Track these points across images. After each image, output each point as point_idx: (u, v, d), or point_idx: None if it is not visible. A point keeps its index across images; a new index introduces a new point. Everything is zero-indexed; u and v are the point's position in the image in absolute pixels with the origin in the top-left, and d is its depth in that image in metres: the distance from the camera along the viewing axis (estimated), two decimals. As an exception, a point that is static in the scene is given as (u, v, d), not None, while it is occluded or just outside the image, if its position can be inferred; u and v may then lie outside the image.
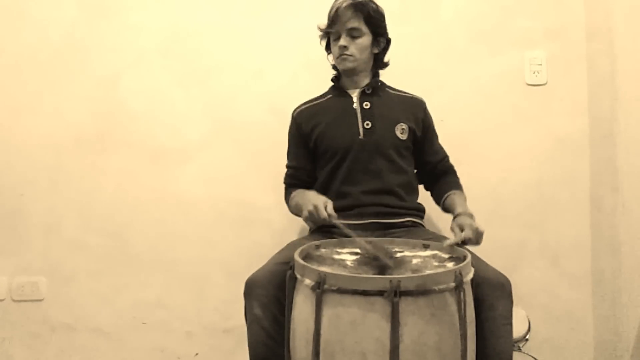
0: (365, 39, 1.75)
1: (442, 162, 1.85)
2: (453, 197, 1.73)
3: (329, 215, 1.49)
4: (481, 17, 2.17)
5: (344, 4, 1.71)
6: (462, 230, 1.48)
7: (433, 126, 1.86)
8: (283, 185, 1.87)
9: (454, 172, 1.86)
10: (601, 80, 2.10)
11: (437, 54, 2.17)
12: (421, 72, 2.10)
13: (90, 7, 2.18)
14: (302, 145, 1.82)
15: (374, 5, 1.76)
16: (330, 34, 1.78)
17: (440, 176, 1.84)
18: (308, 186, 1.79)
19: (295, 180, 1.83)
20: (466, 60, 2.17)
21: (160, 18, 2.18)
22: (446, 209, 1.74)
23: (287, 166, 1.86)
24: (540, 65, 2.15)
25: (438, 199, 1.80)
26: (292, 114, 1.86)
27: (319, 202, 1.51)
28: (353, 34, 1.73)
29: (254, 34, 2.18)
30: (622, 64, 2.04)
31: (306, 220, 1.55)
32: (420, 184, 1.87)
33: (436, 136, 1.87)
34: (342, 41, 1.73)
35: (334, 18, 1.73)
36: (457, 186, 1.80)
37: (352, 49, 1.74)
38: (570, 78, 2.15)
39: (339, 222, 1.48)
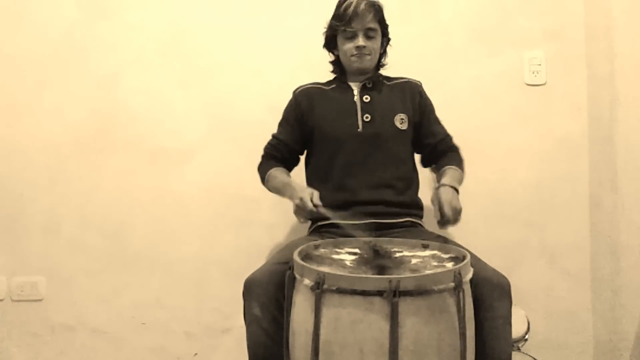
0: (379, 39, 1.78)
1: (442, 143, 1.81)
2: (443, 171, 1.71)
3: (315, 205, 1.50)
4: (480, 17, 2.17)
5: (364, 3, 1.70)
6: (439, 207, 1.51)
7: (431, 107, 1.85)
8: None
9: (455, 151, 1.82)
10: (600, 80, 2.10)
11: (436, 54, 2.17)
12: (420, 71, 2.09)
13: (89, 7, 2.18)
14: (295, 124, 1.83)
15: (380, 5, 1.78)
16: (340, 30, 1.76)
17: (440, 157, 1.81)
18: (286, 162, 1.83)
19: (277, 153, 1.83)
20: (465, 60, 2.17)
21: (159, 18, 2.18)
22: None
23: (273, 136, 1.86)
24: (540, 65, 2.15)
25: (437, 179, 1.79)
26: (294, 92, 1.87)
27: (304, 194, 1.52)
28: (369, 34, 1.74)
29: (253, 34, 2.18)
30: (621, 64, 2.04)
31: (296, 213, 1.56)
32: (425, 167, 1.88)
33: (435, 118, 1.85)
34: (361, 41, 1.73)
35: (353, 16, 1.71)
36: (453, 162, 1.76)
37: (370, 48, 1.75)
38: (570, 78, 2.15)
39: (324, 210, 1.50)
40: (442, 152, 1.81)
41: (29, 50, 2.17)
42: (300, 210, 1.52)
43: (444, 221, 1.51)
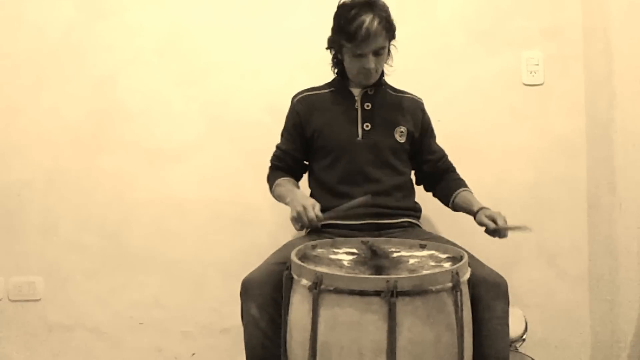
0: (386, 52, 1.71)
1: (442, 161, 1.84)
2: (465, 194, 1.74)
3: (317, 216, 1.48)
4: (478, 17, 2.17)
5: (375, 24, 1.60)
6: (494, 221, 1.55)
7: (431, 125, 1.86)
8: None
9: (455, 170, 1.85)
10: (598, 80, 2.11)
11: (434, 54, 2.17)
12: (418, 72, 2.10)
13: (87, 8, 2.17)
14: (296, 133, 1.79)
15: (390, 12, 1.68)
16: (347, 47, 1.66)
17: (443, 175, 1.83)
18: (292, 171, 1.80)
19: (281, 163, 1.81)
20: (463, 60, 2.17)
21: (157, 18, 2.18)
22: (458, 207, 1.75)
23: (277, 147, 1.83)
24: (537, 65, 2.15)
25: (446, 198, 1.79)
26: (292, 99, 1.83)
27: (307, 203, 1.50)
28: (379, 52, 1.67)
29: (251, 34, 2.18)
30: (619, 64, 2.04)
31: (293, 220, 1.52)
32: (419, 184, 1.88)
33: (434, 135, 1.87)
34: (371, 63, 1.66)
35: (364, 39, 1.59)
36: (464, 184, 1.80)
37: (377, 66, 1.69)
38: (567, 78, 2.15)
39: (327, 219, 1.53)
40: (443, 171, 1.83)
41: (26, 50, 2.16)
42: (300, 217, 1.49)
43: (500, 233, 1.55)
